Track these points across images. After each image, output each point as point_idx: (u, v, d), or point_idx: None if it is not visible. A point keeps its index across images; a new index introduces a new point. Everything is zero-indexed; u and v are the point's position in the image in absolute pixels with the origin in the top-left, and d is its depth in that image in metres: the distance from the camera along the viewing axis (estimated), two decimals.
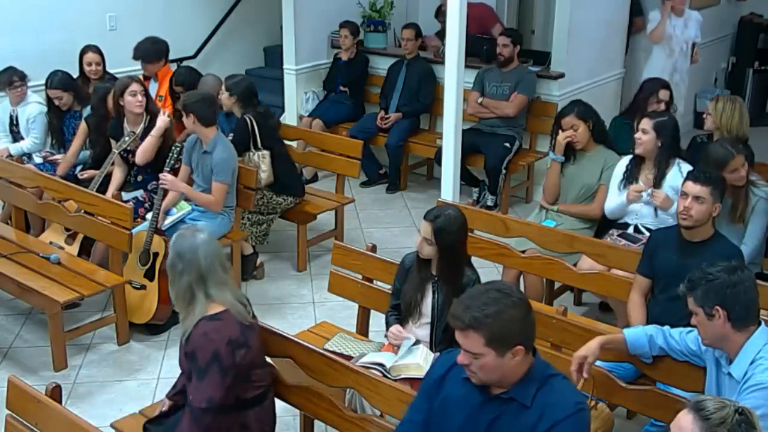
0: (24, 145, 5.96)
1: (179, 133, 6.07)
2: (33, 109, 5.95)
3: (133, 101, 5.17)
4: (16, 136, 6.06)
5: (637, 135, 4.62)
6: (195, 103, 5.00)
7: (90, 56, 6.14)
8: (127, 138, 5.24)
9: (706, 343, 3.01)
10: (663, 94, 5.32)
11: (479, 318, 2.37)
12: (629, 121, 5.40)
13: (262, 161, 5.46)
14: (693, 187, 3.67)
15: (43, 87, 5.89)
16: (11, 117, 6.04)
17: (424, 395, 2.70)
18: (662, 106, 5.26)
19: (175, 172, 5.26)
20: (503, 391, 2.49)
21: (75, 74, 6.10)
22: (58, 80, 5.74)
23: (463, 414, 2.55)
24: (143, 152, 5.20)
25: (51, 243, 5.16)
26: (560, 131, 4.98)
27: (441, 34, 7.95)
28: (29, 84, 6.00)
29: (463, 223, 3.55)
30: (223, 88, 5.63)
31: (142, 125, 5.27)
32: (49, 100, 5.82)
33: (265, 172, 5.47)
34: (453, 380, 2.60)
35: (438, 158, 6.17)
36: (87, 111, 5.76)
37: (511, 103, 6.54)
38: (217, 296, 3.06)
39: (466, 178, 6.71)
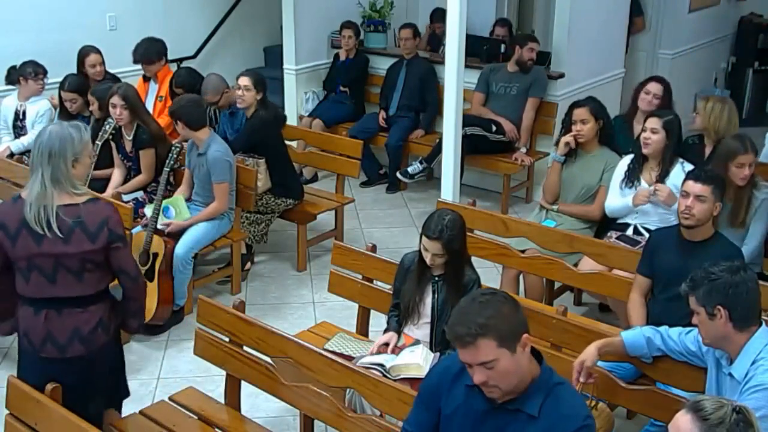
0: (25, 140, 5.96)
1: (178, 134, 6.07)
2: (45, 104, 6.01)
3: (112, 112, 5.20)
4: (18, 133, 6.06)
5: (646, 135, 4.58)
6: (180, 108, 5.01)
7: (93, 58, 6.14)
8: (107, 127, 5.25)
9: (707, 343, 3.01)
10: (651, 86, 5.25)
11: (484, 323, 2.34)
12: (630, 120, 5.40)
13: (258, 168, 5.44)
14: (694, 186, 3.67)
15: (48, 86, 5.90)
16: (17, 113, 6.05)
17: (421, 405, 2.67)
18: (650, 98, 5.21)
19: (175, 172, 5.27)
20: (510, 400, 2.45)
21: None
22: (74, 83, 5.74)
23: (467, 423, 2.52)
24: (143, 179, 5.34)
25: None
26: (570, 123, 4.97)
27: (433, 38, 8.00)
28: None
29: (462, 223, 3.55)
30: (249, 84, 5.52)
31: (132, 132, 5.27)
32: (61, 103, 5.82)
33: (261, 180, 5.46)
34: (456, 388, 2.56)
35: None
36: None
37: (530, 110, 6.65)
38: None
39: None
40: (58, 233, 3.04)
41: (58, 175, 3.06)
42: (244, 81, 5.49)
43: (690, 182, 3.71)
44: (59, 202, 3.07)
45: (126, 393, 3.56)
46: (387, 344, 3.63)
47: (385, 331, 3.73)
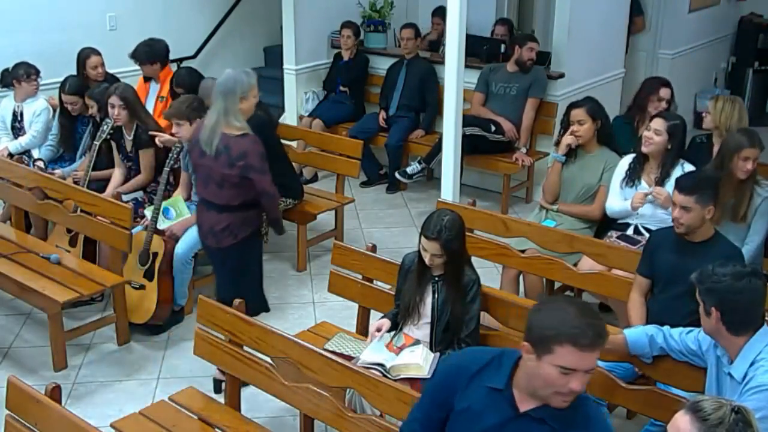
0: (23, 141, 5.97)
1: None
2: (41, 104, 6.00)
3: (111, 113, 5.22)
4: (17, 134, 6.07)
5: (648, 134, 4.59)
6: (199, 107, 4.96)
7: (94, 60, 6.14)
8: (105, 127, 5.26)
9: (705, 332, 3.05)
10: (664, 92, 5.29)
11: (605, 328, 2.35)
12: (629, 121, 5.41)
13: None
14: (678, 197, 3.66)
15: (47, 86, 5.90)
16: (14, 113, 6.06)
17: (429, 399, 2.62)
18: (663, 104, 5.25)
19: (175, 172, 5.26)
20: (534, 408, 2.40)
21: None
22: (74, 85, 5.73)
23: (485, 427, 2.45)
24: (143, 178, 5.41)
25: (57, 247, 5.15)
26: (568, 123, 4.98)
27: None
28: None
29: (461, 223, 3.55)
30: None
31: (132, 132, 5.29)
32: (61, 105, 5.82)
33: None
34: (473, 388, 2.49)
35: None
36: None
37: (530, 110, 6.64)
38: None
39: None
40: (213, 153, 4.01)
41: (228, 108, 4.00)
42: None
43: (676, 192, 3.70)
44: (222, 130, 4.00)
45: (262, 305, 4.54)
46: (379, 330, 3.65)
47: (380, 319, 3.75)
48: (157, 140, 5.23)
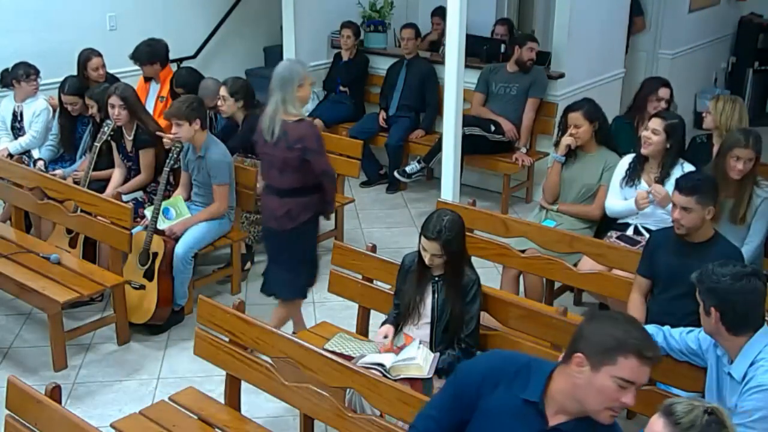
0: (23, 141, 5.97)
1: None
2: (41, 104, 6.00)
3: (111, 113, 5.22)
4: (17, 134, 6.07)
5: (646, 134, 4.59)
6: (199, 108, 4.98)
7: (95, 61, 6.13)
8: (105, 128, 5.26)
9: (705, 332, 3.05)
10: (663, 92, 5.30)
11: None
12: (630, 120, 5.41)
13: (257, 168, 5.42)
14: (678, 198, 3.66)
15: (47, 86, 5.90)
16: (14, 113, 6.06)
17: (452, 400, 2.53)
18: (662, 104, 5.25)
19: (175, 172, 5.26)
20: (563, 422, 2.36)
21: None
22: (73, 86, 5.72)
23: None
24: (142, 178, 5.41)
25: (57, 247, 5.15)
26: (566, 126, 4.98)
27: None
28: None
29: (461, 223, 3.56)
30: (226, 94, 5.50)
31: (132, 132, 5.31)
32: (61, 105, 5.82)
33: (261, 180, 5.45)
34: (502, 392, 2.43)
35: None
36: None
37: (530, 111, 6.64)
38: None
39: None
40: (273, 140, 4.14)
41: (286, 97, 4.12)
42: (222, 91, 5.52)
43: (676, 193, 3.70)
44: (281, 117, 4.12)
45: (312, 279, 4.53)
46: (386, 337, 3.65)
47: (382, 324, 3.75)
48: (164, 138, 5.24)
